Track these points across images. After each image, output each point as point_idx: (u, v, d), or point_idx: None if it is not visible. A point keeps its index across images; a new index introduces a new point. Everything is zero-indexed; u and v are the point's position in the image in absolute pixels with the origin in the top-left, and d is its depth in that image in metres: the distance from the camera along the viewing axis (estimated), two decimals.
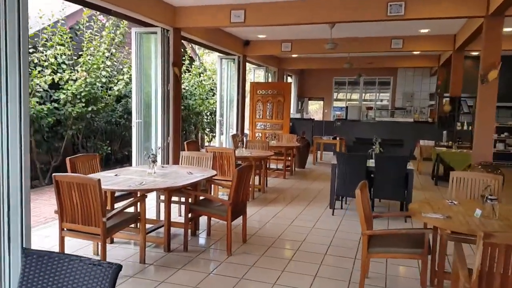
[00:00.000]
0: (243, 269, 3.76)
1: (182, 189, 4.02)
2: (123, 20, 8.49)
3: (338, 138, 10.67)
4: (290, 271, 3.77)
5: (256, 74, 14.14)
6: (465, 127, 8.95)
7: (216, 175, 4.59)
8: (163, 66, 7.04)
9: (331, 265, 3.91)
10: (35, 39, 7.20)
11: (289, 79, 16.04)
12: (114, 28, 8.72)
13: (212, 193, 6.20)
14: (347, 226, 5.19)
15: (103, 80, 8.27)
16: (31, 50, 6.89)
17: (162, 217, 4.74)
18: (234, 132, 10.33)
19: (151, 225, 4.64)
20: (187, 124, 11.64)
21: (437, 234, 3.25)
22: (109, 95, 8.65)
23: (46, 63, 7.20)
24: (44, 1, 7.50)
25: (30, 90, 6.93)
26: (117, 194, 4.30)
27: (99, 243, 3.61)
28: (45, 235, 4.62)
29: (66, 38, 7.58)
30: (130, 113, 8.16)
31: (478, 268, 2.20)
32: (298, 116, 13.96)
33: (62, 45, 7.56)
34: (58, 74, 7.37)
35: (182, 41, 9.10)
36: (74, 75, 7.69)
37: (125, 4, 5.90)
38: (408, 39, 9.34)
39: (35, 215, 5.73)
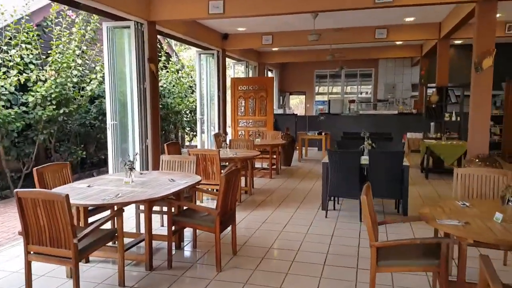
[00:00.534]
0: (236, 287, 3.38)
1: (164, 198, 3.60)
2: (94, 15, 7.94)
3: (323, 134, 10.37)
4: None
5: (236, 70, 13.70)
6: (453, 118, 8.76)
7: (200, 181, 4.18)
8: (138, 62, 6.54)
9: (333, 278, 3.55)
10: None
11: (270, 74, 15.65)
12: (85, 24, 8.16)
13: (196, 198, 5.78)
14: (343, 231, 4.85)
15: (75, 80, 7.72)
16: None
17: (143, 229, 4.31)
18: (216, 130, 9.90)
19: (131, 240, 4.20)
20: (166, 124, 11.15)
21: (453, 241, 2.93)
22: (82, 96, 8.11)
23: (11, 63, 6.63)
24: None
25: None
26: (91, 207, 3.84)
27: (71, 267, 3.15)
28: (15, 255, 4.12)
29: (33, 35, 7.00)
30: (105, 114, 7.64)
31: None
32: (280, 111, 13.61)
33: (29, 43, 6.98)
34: (24, 75, 6.79)
35: (158, 36, 8.60)
36: (43, 76, 7.12)
37: None
38: (392, 29, 9.09)
39: (3, 230, 5.20)
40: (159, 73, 10.79)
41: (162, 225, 4.91)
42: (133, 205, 4.59)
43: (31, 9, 7.28)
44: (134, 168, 3.94)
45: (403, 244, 2.94)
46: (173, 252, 4.01)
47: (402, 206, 5.32)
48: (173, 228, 3.82)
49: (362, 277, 3.53)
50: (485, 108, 5.52)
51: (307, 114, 15.80)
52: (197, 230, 4.29)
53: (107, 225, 4.31)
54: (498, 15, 7.51)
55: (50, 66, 7.23)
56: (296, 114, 13.50)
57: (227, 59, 11.04)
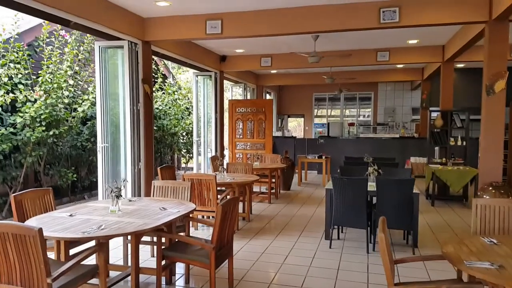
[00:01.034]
0: None
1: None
2: (88, 35, 7.71)
3: (324, 157, 10.04)
4: None
5: (233, 92, 13.49)
6: (458, 143, 8.47)
7: (195, 209, 3.82)
8: (131, 83, 6.27)
9: None
10: None
11: (268, 96, 15.46)
12: (78, 44, 7.93)
13: (191, 225, 5.40)
14: (349, 264, 4.46)
15: (66, 101, 7.42)
16: None
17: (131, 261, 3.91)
18: (213, 153, 9.57)
19: (117, 273, 3.81)
20: (162, 146, 10.81)
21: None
22: (74, 117, 7.80)
23: None
24: None
25: None
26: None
27: None
28: None
29: (22, 55, 6.74)
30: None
31: None
32: (279, 134, 13.33)
33: (18, 63, 6.72)
34: (11, 95, 6.49)
35: (154, 56, 8.38)
36: (31, 96, 6.81)
37: (86, 15, 5.16)
38: (394, 51, 8.91)
39: None
40: (155, 94, 10.56)
41: (153, 255, 4.52)
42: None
43: (22, 28, 7.05)
44: (121, 196, 3.58)
45: None
46: None
47: (412, 237, 4.95)
48: (163, 262, 3.43)
49: None
50: (498, 133, 5.23)
51: (306, 136, 15.53)
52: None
53: (92, 258, 3.92)
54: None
55: (40, 86, 6.94)
56: (295, 137, 13.22)
57: (224, 81, 10.83)
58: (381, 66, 11.64)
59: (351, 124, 15.61)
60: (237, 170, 6.89)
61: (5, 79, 6.42)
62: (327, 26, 5.73)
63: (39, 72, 7.15)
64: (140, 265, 4.28)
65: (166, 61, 12.24)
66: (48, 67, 7.15)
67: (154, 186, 4.43)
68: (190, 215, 3.83)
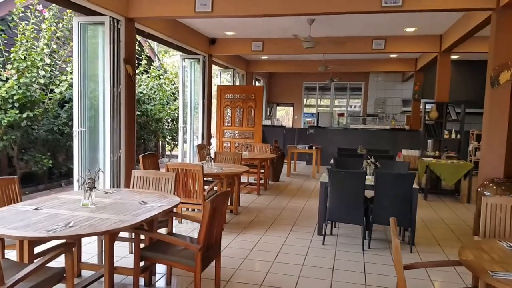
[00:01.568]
0: None
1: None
2: (68, 11, 7.17)
3: (314, 148, 9.73)
4: None
5: (222, 78, 13.03)
6: (453, 136, 8.24)
7: (179, 204, 3.44)
8: (112, 63, 5.79)
9: None
10: None
11: (257, 83, 15.03)
12: (57, 20, 7.38)
13: (173, 220, 5.03)
14: (345, 263, 4.16)
15: (42, 81, 6.90)
16: None
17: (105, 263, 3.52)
18: (199, 141, 9.15)
19: (91, 273, 3.43)
20: (145, 132, 10.34)
21: None
22: (50, 99, 7.29)
23: None
24: None
25: None
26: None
27: None
28: None
29: None
30: None
31: None
32: (268, 123, 12.97)
33: None
34: None
35: (138, 36, 7.88)
36: (2, 75, 6.29)
37: None
38: (391, 40, 8.57)
39: None
40: (139, 77, 10.04)
41: (131, 252, 4.13)
42: None
43: None
44: (95, 188, 3.17)
45: None
46: None
47: (410, 235, 4.67)
48: (142, 263, 3.06)
49: None
50: (502, 127, 4.95)
51: (295, 126, 15.19)
52: None
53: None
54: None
55: (12, 64, 6.41)
56: (285, 126, 12.86)
57: (213, 66, 10.36)
58: (374, 56, 11.32)
59: (341, 115, 15.33)
60: (225, 160, 6.51)
61: None
62: (326, 8, 5.34)
63: (12, 49, 6.61)
64: (117, 263, 3.90)
65: (151, 43, 11.70)
66: (22, 43, 6.61)
67: (134, 176, 4.02)
68: (174, 210, 3.45)
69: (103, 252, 3.71)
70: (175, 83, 11.44)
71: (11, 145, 6.76)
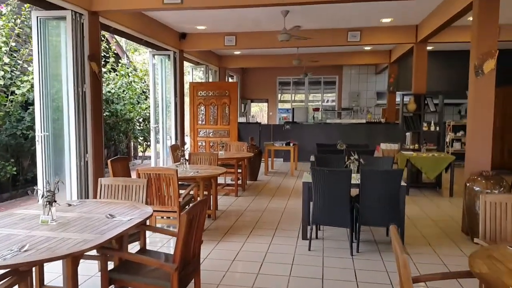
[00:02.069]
0: None
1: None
2: (26, 5, 6.62)
3: (292, 144, 9.48)
4: None
5: (194, 75, 12.58)
6: (431, 128, 8.16)
7: (151, 215, 3.07)
8: (76, 61, 5.33)
9: None
10: None
11: (231, 80, 14.66)
12: (15, 16, 6.82)
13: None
14: (334, 271, 3.89)
15: (1, 82, 6.35)
16: None
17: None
18: (173, 141, 8.73)
19: None
20: (116, 133, 9.83)
21: None
22: (12, 101, 6.73)
23: None
24: None
25: None
26: None
27: None
28: None
29: None
30: None
31: None
32: (243, 120, 12.64)
33: None
34: None
35: (104, 32, 7.39)
36: None
37: None
38: (366, 31, 8.40)
39: None
40: (107, 76, 9.51)
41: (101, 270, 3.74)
42: None
43: None
44: (54, 201, 2.77)
45: None
46: None
47: (401, 236, 4.46)
48: (111, 287, 2.69)
49: None
50: (487, 117, 4.81)
51: (271, 122, 14.93)
52: None
53: None
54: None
55: None
56: (260, 123, 12.58)
57: (185, 62, 9.94)
58: (348, 48, 11.18)
59: (316, 109, 15.18)
60: (201, 161, 6.15)
61: None
62: None
63: None
64: (84, 283, 3.51)
65: (119, 40, 11.14)
66: None
67: (101, 184, 3.62)
68: (147, 223, 3.09)
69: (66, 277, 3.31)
70: (145, 81, 10.95)
71: None
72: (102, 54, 9.66)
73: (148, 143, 11.25)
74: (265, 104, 16.17)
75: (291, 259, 4.15)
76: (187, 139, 10.01)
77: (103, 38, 9.52)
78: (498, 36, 4.76)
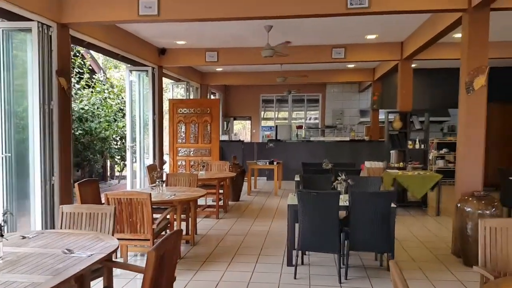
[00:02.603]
0: None
1: None
2: None
3: (275, 163, 9.18)
4: None
5: (175, 92, 12.25)
6: (416, 146, 8.00)
7: (117, 248, 2.70)
8: (42, 76, 4.95)
9: None
10: None
11: (213, 97, 14.38)
12: None
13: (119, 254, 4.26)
14: None
15: None
16: None
17: None
18: (151, 160, 8.33)
19: None
20: (90, 152, 9.37)
21: None
22: None
23: None
24: None
25: None
26: None
27: None
28: None
29: None
30: None
31: None
32: (225, 138, 12.32)
33: None
34: None
35: (79, 47, 7.03)
36: None
37: None
38: (351, 48, 8.26)
39: None
40: (80, 92, 9.10)
41: None
42: None
43: None
44: (2, 236, 2.38)
45: None
46: None
47: (387, 259, 4.18)
48: None
49: None
50: (478, 136, 4.62)
51: (254, 140, 14.65)
52: None
53: None
54: (457, 36, 6.94)
55: None
56: (243, 141, 12.28)
57: (164, 78, 9.63)
58: (331, 66, 11.07)
59: (300, 127, 14.99)
60: (179, 182, 5.77)
61: None
62: (286, 11, 4.83)
63: None
64: None
65: (95, 54, 10.77)
66: None
67: (62, 212, 3.22)
68: (115, 256, 2.71)
69: None
70: (122, 98, 10.56)
71: None
72: (77, 70, 9.30)
73: (126, 162, 10.80)
74: (248, 122, 15.92)
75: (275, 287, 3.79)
76: (167, 158, 9.62)
77: (78, 54, 9.16)
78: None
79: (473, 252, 4.27)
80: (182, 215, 4.99)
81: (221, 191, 7.11)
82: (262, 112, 15.79)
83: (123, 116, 10.40)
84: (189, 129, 9.06)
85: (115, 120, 10.08)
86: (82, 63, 9.39)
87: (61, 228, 3.18)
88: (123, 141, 10.45)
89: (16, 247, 2.63)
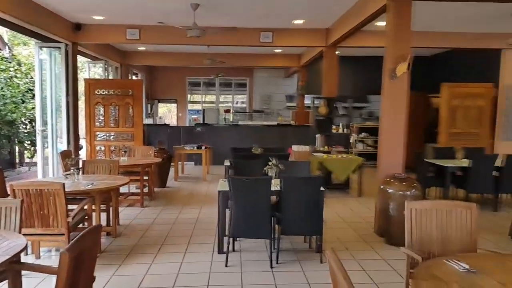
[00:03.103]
0: None
1: None
2: None
3: (204, 147, 8.94)
4: None
5: (92, 72, 11.34)
6: (340, 130, 8.28)
7: (25, 248, 2.33)
8: None
9: None
10: None
11: (135, 78, 13.60)
12: None
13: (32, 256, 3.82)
14: None
15: None
16: None
17: None
18: (65, 145, 7.63)
19: None
20: None
21: None
22: None
23: None
24: None
25: None
26: None
27: None
28: None
29: None
30: None
31: None
32: (149, 121, 11.76)
33: None
34: None
35: None
36: None
37: None
38: (278, 33, 8.23)
39: None
40: None
41: None
42: None
43: None
44: None
45: None
46: None
47: (317, 242, 4.24)
48: None
49: None
50: (400, 121, 4.83)
51: (180, 124, 14.20)
52: None
53: None
54: (379, 24, 7.22)
55: None
56: (169, 124, 11.82)
57: (80, 57, 8.83)
58: (259, 50, 11.00)
59: (227, 111, 14.83)
60: (98, 170, 5.31)
61: None
62: None
63: None
64: None
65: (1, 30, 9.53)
66: None
67: None
68: (24, 254, 2.33)
69: None
70: (32, 77, 9.52)
71: None
72: None
73: (36, 148, 9.83)
74: (174, 105, 15.39)
75: (206, 279, 3.63)
76: (84, 143, 8.90)
77: None
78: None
79: (395, 231, 4.50)
80: (102, 205, 4.60)
81: (146, 177, 6.73)
82: (189, 95, 15.34)
83: (33, 97, 9.40)
84: (109, 112, 8.43)
85: (23, 102, 9.07)
86: None
87: None
88: (33, 124, 9.47)
89: None
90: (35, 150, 10.19)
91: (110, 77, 10.81)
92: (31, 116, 9.22)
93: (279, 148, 7.45)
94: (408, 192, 4.58)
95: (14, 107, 8.54)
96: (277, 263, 4.03)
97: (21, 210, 2.77)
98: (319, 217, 4.03)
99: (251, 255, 4.27)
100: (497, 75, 8.75)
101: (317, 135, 8.51)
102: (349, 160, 7.36)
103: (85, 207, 4.19)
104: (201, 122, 13.10)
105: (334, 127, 8.34)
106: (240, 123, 12.20)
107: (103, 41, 8.48)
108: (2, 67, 8.54)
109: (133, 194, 6.90)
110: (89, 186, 4.18)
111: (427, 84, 10.77)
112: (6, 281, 2.73)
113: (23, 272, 2.69)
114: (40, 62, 7.40)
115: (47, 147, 7.56)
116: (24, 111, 8.94)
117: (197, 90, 15.47)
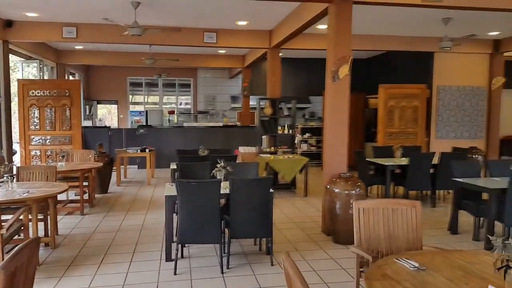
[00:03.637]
0: None
1: None
2: None
3: (148, 150, 8.68)
4: None
5: (25, 72, 10.61)
6: (285, 131, 8.41)
7: None
8: None
9: None
10: None
11: (72, 78, 12.90)
12: None
13: None
14: None
15: None
16: None
17: None
18: None
19: None
20: None
21: None
22: None
23: None
24: None
25: None
26: None
27: None
28: None
29: None
30: None
31: None
32: (88, 124, 11.21)
33: None
34: None
35: None
36: None
37: None
38: (222, 33, 8.21)
39: None
40: None
41: None
42: None
43: None
44: None
45: None
46: None
47: (267, 244, 4.26)
48: None
49: None
50: (343, 120, 4.99)
51: (122, 126, 13.69)
52: None
53: None
54: (320, 27, 7.46)
55: None
56: (109, 127, 11.34)
57: (12, 56, 8.21)
58: (203, 50, 10.91)
59: (171, 112, 14.53)
60: (34, 176, 4.96)
61: None
62: None
63: None
64: None
65: None
66: None
67: None
68: None
69: None
70: None
71: None
72: None
73: None
74: (115, 106, 14.79)
75: None
76: (17, 147, 8.29)
77: None
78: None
79: (342, 230, 4.64)
80: (39, 214, 4.30)
81: (85, 183, 6.40)
82: (130, 96, 14.84)
83: None
84: (44, 114, 7.91)
85: None
86: None
87: None
88: None
89: None
90: None
91: (46, 78, 10.16)
92: None
93: (226, 149, 7.43)
94: (354, 191, 4.74)
95: None
96: (227, 268, 3.99)
97: None
98: (269, 219, 4.06)
99: (201, 261, 4.19)
100: (431, 76, 9.38)
101: (263, 136, 8.58)
102: (295, 160, 7.50)
103: (21, 217, 3.90)
104: (144, 124, 12.73)
105: (279, 127, 8.45)
106: (185, 124, 12.01)
107: (37, 39, 7.97)
108: None
109: (72, 201, 6.53)
110: (25, 195, 3.88)
111: (365, 86, 11.28)
112: None
113: None
114: None
115: None
116: None
117: (139, 91, 15.01)
